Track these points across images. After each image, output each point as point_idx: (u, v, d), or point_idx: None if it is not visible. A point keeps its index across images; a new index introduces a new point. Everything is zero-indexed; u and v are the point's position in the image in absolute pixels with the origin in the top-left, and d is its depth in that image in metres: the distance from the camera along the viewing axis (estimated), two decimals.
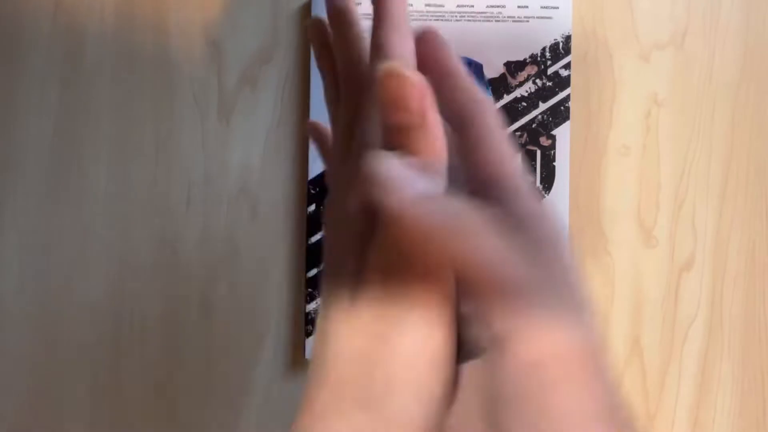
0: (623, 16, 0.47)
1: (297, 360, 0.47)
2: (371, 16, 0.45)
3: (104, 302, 0.46)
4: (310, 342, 0.46)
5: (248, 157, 0.47)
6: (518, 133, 0.46)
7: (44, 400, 0.46)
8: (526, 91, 0.46)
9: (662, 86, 0.47)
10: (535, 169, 0.46)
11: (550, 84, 0.46)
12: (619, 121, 0.47)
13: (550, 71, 0.46)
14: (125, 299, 0.46)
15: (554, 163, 0.46)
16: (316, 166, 0.46)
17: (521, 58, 0.46)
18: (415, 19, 0.46)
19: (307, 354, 0.46)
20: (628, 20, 0.47)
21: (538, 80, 0.46)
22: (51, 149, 0.46)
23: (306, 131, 0.46)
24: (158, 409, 0.46)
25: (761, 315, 0.47)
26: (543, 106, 0.46)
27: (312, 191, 0.46)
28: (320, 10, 0.46)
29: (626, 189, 0.47)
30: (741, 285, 0.47)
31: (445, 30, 0.46)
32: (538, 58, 0.46)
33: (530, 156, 0.46)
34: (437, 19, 0.46)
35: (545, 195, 0.46)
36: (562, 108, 0.46)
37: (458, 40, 0.46)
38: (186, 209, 0.47)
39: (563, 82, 0.46)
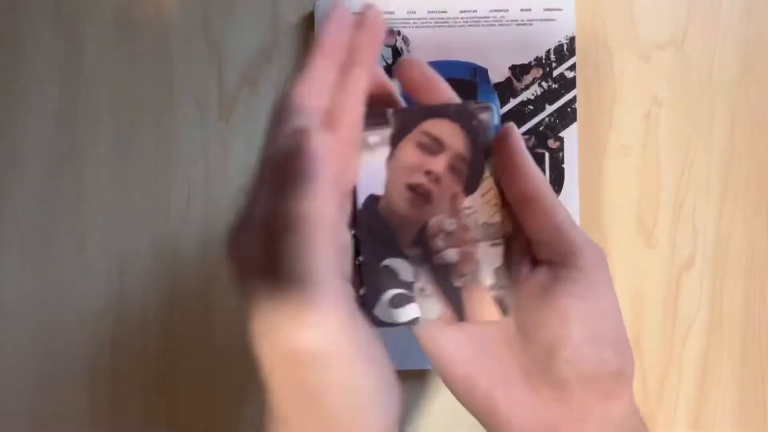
0: (623, 17, 0.47)
1: None
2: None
3: (104, 302, 0.46)
4: None
5: (248, 157, 0.47)
6: (526, 137, 0.46)
7: (44, 400, 0.46)
8: (532, 94, 0.46)
9: (662, 86, 0.47)
10: (544, 172, 0.46)
11: (556, 86, 0.46)
12: (619, 122, 0.47)
13: (555, 73, 0.46)
14: (125, 299, 0.46)
15: (563, 165, 0.46)
16: None
17: (526, 61, 0.46)
18: (419, 27, 0.46)
19: None
20: (628, 21, 0.47)
21: (543, 83, 0.46)
22: (51, 149, 0.46)
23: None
24: (158, 409, 0.46)
25: (761, 315, 0.47)
26: (549, 109, 0.46)
27: None
28: (322, 15, 0.46)
29: (626, 189, 0.47)
30: (741, 285, 0.47)
31: (448, 36, 0.46)
32: (543, 61, 0.46)
33: (539, 159, 0.46)
34: (440, 26, 0.46)
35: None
36: (568, 110, 0.46)
37: (462, 45, 0.46)
38: (186, 209, 0.47)
39: (569, 84, 0.46)
